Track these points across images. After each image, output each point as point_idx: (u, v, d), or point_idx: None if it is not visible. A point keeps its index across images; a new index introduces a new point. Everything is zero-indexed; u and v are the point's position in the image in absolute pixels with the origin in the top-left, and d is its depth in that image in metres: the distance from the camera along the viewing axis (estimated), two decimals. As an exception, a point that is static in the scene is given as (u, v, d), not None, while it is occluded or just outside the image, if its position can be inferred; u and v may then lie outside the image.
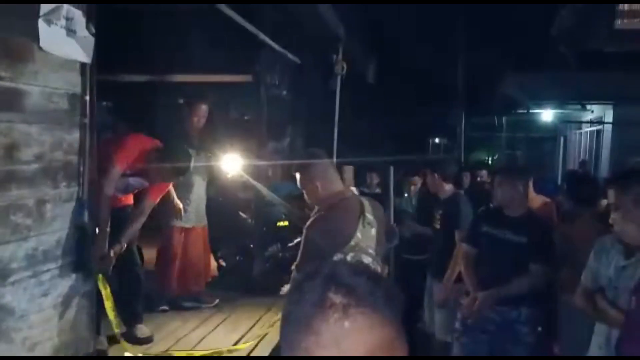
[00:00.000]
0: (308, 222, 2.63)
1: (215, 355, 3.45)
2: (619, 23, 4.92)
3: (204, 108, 4.39)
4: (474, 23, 12.09)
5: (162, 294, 4.33)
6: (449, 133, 16.20)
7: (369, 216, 2.58)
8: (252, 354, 3.51)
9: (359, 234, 2.53)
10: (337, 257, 2.45)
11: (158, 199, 3.66)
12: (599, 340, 2.58)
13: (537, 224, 3.29)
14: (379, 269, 2.58)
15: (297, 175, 2.66)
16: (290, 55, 5.16)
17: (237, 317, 4.19)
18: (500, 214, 3.33)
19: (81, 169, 2.66)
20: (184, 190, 4.34)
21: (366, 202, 2.66)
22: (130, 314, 3.63)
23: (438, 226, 4.22)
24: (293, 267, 2.65)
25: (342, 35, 5.09)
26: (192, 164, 3.63)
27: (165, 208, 4.17)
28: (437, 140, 20.50)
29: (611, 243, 2.58)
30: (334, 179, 2.66)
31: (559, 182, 10.15)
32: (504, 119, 16.02)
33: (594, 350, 2.62)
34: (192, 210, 4.41)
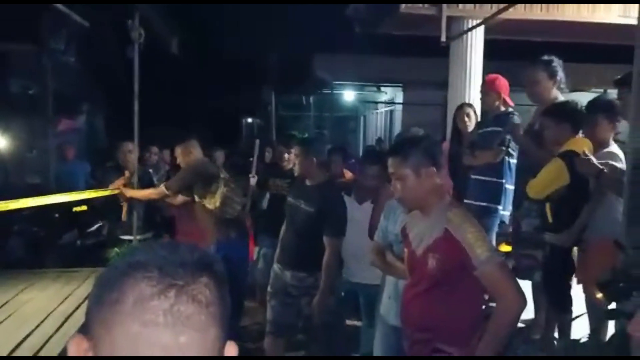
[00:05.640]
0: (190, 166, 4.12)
1: None
2: (403, 7, 5.34)
3: None
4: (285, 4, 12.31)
5: None
6: (261, 113, 16.43)
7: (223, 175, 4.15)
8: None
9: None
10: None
11: None
12: (389, 289, 2.83)
13: (326, 195, 3.28)
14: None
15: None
16: (77, 18, 4.54)
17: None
18: (301, 184, 3.43)
19: None
20: None
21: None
22: None
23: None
24: (163, 185, 4.25)
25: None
26: None
27: None
28: (250, 119, 20.65)
29: (397, 204, 2.83)
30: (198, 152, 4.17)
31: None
32: (311, 98, 16.75)
33: (385, 300, 2.87)
34: None
